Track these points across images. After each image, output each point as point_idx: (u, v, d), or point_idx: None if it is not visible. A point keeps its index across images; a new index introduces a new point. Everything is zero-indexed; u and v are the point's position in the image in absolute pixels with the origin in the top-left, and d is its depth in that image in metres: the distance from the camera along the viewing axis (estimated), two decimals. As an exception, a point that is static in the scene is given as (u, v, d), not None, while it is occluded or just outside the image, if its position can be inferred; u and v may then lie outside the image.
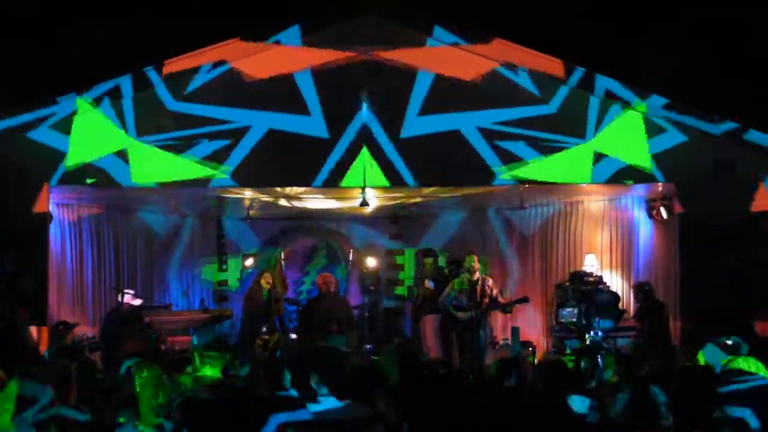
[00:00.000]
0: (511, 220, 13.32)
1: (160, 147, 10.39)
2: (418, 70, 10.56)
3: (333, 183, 10.60)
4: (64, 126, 10.32)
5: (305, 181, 10.66)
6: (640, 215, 11.95)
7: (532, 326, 12.79)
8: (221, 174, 10.42)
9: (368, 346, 12.67)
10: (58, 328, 10.04)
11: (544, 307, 12.86)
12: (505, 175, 10.57)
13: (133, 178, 10.38)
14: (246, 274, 13.61)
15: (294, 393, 6.07)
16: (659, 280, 11.44)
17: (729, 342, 7.65)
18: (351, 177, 10.51)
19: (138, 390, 5.75)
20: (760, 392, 5.96)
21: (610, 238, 12.36)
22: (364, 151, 10.50)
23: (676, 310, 10.69)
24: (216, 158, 10.44)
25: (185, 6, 14.16)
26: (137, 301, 11.65)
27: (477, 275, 11.58)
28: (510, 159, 10.57)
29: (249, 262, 13.67)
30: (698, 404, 5.62)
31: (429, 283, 12.50)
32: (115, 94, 10.31)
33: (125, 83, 10.31)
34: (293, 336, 11.99)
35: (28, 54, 13.62)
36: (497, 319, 12.67)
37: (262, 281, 12.02)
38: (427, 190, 11.58)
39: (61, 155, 10.27)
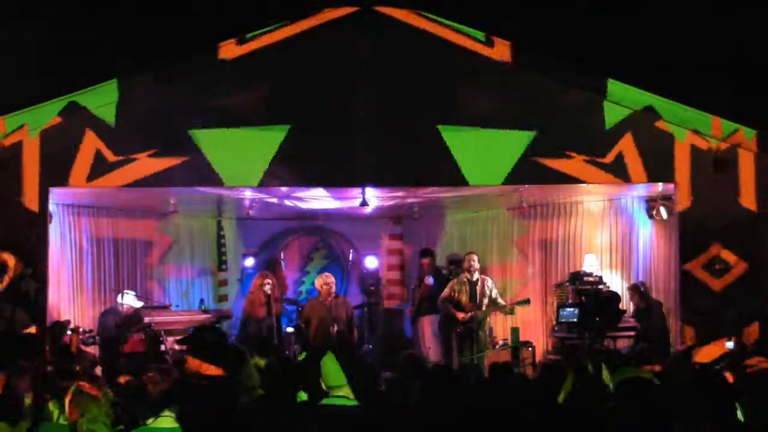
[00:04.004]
0: (511, 220, 13.32)
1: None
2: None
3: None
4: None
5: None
6: (640, 215, 11.94)
7: (532, 326, 12.78)
8: None
9: (368, 346, 12.68)
10: (54, 328, 10.06)
11: (544, 307, 12.85)
12: None
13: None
14: (246, 275, 13.61)
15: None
16: (659, 280, 11.43)
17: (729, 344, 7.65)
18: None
19: None
20: None
21: (610, 238, 12.34)
22: None
23: (677, 310, 10.67)
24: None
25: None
26: (138, 303, 11.64)
27: (476, 275, 11.57)
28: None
29: (249, 262, 13.67)
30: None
31: (429, 279, 12.48)
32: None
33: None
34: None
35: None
36: (497, 319, 12.66)
37: (262, 282, 12.01)
38: (426, 190, 11.57)
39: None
